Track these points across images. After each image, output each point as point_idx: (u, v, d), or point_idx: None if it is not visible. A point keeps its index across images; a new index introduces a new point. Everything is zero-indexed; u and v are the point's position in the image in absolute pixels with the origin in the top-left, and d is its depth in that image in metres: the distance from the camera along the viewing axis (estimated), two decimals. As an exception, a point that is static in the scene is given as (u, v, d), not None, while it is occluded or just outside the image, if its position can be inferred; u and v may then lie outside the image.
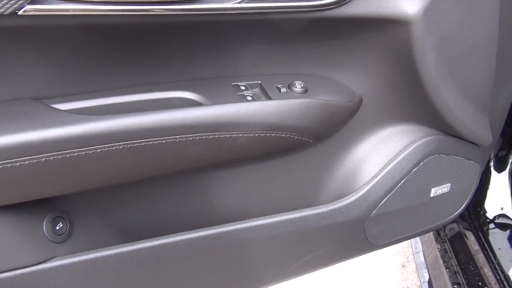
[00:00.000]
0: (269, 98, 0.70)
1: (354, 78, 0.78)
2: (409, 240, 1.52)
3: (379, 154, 0.86)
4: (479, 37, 0.81)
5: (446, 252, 1.25)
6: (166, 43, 0.64)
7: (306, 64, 0.76)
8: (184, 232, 0.70)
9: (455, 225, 1.31)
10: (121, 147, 0.58)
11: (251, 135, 0.67)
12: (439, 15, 0.71)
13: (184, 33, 0.63)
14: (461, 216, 1.29)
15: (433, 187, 0.92)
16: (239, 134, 0.66)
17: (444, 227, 1.33)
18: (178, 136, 0.61)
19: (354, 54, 0.75)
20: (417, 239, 1.52)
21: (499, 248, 1.15)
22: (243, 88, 0.70)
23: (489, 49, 0.85)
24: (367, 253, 0.95)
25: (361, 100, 0.79)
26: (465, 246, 1.21)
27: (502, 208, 1.23)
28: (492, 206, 1.25)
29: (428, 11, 0.68)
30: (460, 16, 0.76)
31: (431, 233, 1.32)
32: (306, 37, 0.71)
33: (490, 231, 1.21)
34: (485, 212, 1.24)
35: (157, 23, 0.59)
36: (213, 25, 0.63)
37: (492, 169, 1.26)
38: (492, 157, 1.27)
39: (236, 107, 0.65)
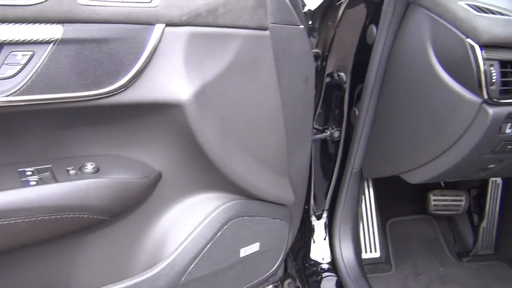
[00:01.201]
0: (56, 181, 0.72)
1: (150, 155, 0.85)
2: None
3: (185, 223, 0.92)
4: (264, 113, 0.95)
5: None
6: None
7: (100, 145, 0.80)
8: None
9: (291, 280, 1.41)
10: None
11: (33, 219, 0.68)
12: (215, 97, 0.82)
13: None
14: (296, 269, 1.41)
15: (242, 247, 1.00)
16: (18, 220, 0.67)
17: (282, 282, 1.42)
18: None
19: (144, 133, 0.82)
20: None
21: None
22: (29, 173, 0.72)
23: (276, 122, 0.98)
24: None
25: (159, 175, 0.86)
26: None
27: (323, 259, 1.36)
28: (317, 258, 1.38)
29: (201, 95, 0.78)
30: (240, 96, 0.88)
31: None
32: (94, 121, 0.77)
33: (315, 282, 1.33)
34: (311, 264, 1.37)
35: None
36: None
37: (313, 222, 1.41)
38: (313, 211, 1.43)
39: (13, 193, 0.66)
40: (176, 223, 0.92)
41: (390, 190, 1.61)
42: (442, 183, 1.68)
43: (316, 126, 1.34)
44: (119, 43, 0.70)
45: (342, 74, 1.25)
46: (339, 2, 1.18)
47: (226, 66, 0.83)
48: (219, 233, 0.94)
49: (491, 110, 0.88)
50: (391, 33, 1.04)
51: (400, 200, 1.72)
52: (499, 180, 1.62)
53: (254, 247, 1.03)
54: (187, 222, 0.92)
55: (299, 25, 0.99)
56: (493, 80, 0.86)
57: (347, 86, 1.25)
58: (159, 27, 0.73)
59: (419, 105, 1.01)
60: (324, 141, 1.37)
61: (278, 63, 0.94)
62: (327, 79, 1.29)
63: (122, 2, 0.70)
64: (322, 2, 1.19)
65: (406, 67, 1.02)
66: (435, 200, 1.59)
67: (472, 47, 0.86)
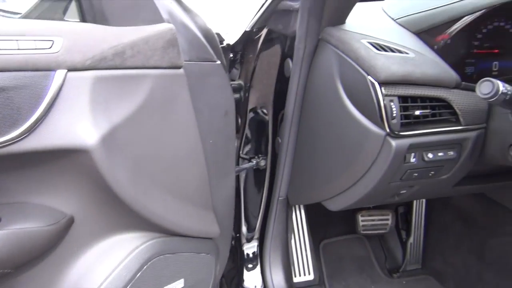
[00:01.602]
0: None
1: (61, 199, 0.82)
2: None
3: (101, 266, 0.90)
4: (182, 149, 0.95)
5: None
6: None
7: (5, 194, 0.78)
8: None
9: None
10: None
11: None
12: (125, 138, 0.81)
13: None
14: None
15: (165, 285, 0.99)
16: None
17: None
18: None
19: (53, 179, 0.80)
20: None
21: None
22: None
23: (196, 158, 0.99)
24: None
25: (71, 219, 0.83)
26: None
27: (255, 286, 1.37)
28: (250, 285, 1.39)
29: (109, 138, 0.77)
30: (155, 135, 0.88)
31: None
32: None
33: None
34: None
35: None
36: None
37: (245, 251, 1.42)
38: (245, 240, 1.44)
39: None
40: (92, 267, 0.89)
41: (322, 212, 1.64)
42: (369, 203, 1.75)
43: (243, 156, 1.36)
44: (17, 91, 0.69)
45: (264, 104, 1.28)
46: (257, 36, 1.21)
47: (138, 106, 0.83)
48: (139, 274, 0.92)
49: (394, 142, 0.93)
50: (304, 67, 1.08)
51: (333, 220, 1.76)
52: (422, 197, 1.70)
53: (178, 284, 1.02)
54: (104, 265, 0.90)
55: (215, 61, 1.01)
56: (394, 115, 0.91)
57: (270, 116, 1.28)
58: (60, 73, 0.72)
59: (333, 136, 1.05)
60: (253, 170, 1.39)
61: (195, 99, 0.95)
62: (251, 109, 1.31)
63: (19, 49, 0.69)
64: (241, 36, 1.22)
65: (320, 100, 1.07)
66: (363, 220, 1.65)
67: (373, 84, 0.91)
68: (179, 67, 0.89)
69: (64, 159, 0.77)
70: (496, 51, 1.06)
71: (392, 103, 0.91)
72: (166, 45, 0.86)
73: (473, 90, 0.98)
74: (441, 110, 0.97)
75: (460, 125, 0.98)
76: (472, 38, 1.04)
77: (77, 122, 0.75)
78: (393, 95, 0.91)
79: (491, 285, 1.52)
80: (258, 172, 1.37)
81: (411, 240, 1.73)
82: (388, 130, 0.92)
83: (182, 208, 0.98)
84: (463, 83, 0.98)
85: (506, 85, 0.80)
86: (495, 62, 1.07)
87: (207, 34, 1.00)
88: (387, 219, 1.67)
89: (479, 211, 1.63)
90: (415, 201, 1.70)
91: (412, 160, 0.98)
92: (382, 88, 0.91)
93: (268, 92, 1.25)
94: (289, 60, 1.15)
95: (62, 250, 0.85)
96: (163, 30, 0.86)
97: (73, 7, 0.94)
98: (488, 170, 1.16)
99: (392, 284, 1.67)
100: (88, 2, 0.93)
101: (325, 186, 1.14)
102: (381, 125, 0.92)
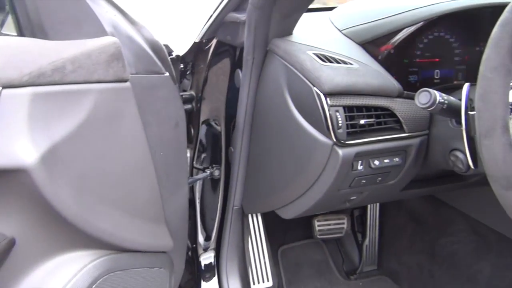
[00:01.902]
0: None
1: (0, 221, 0.79)
2: None
3: (48, 287, 0.87)
4: (130, 164, 0.93)
5: None
6: None
7: None
8: None
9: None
10: None
11: None
12: (68, 155, 0.79)
13: None
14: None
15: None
16: None
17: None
18: None
19: (-10, 200, 0.77)
20: None
21: None
22: None
23: (145, 171, 0.97)
24: None
25: (11, 241, 0.80)
26: None
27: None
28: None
29: (49, 156, 0.75)
30: (101, 150, 0.86)
31: None
32: None
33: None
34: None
35: None
36: None
37: (202, 262, 1.41)
38: (202, 250, 1.43)
39: None
40: (37, 289, 0.86)
41: (280, 218, 1.66)
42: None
43: (197, 166, 1.36)
44: None
45: (217, 114, 1.28)
46: (207, 47, 1.21)
47: (81, 122, 0.81)
48: (88, 293, 0.90)
49: (340, 151, 0.95)
50: (254, 78, 1.09)
51: (291, 226, 1.78)
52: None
53: (131, 301, 1.00)
54: (50, 286, 0.87)
55: (163, 73, 1.00)
56: (340, 124, 0.93)
57: (222, 126, 1.28)
58: (-6, 91, 0.70)
59: (283, 146, 1.06)
60: (208, 180, 1.38)
61: (143, 112, 0.93)
62: (203, 119, 1.31)
63: None
64: (191, 47, 1.22)
65: (270, 110, 1.08)
66: (320, 225, 1.68)
67: (318, 95, 0.93)
68: (124, 81, 0.88)
69: (2, 180, 0.74)
70: (437, 59, 1.11)
71: (337, 113, 0.93)
72: (110, 59, 0.84)
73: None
74: (385, 119, 1.00)
75: (404, 132, 1.01)
76: (414, 48, 1.08)
77: (14, 140, 0.72)
78: (338, 106, 0.93)
79: (442, 282, 1.58)
80: (212, 182, 1.36)
81: (366, 242, 1.77)
82: (334, 139, 0.94)
83: (133, 223, 0.96)
84: (405, 92, 1.02)
85: (443, 95, 0.84)
86: (436, 70, 1.12)
87: (154, 46, 0.99)
88: (343, 223, 1.71)
89: (429, 212, 1.69)
90: (369, 205, 1.75)
91: (360, 167, 1.00)
92: (328, 99, 0.93)
93: (220, 102, 1.25)
94: (239, 70, 1.15)
95: (2, 274, 0.82)
96: (107, 43, 0.85)
97: (10, 20, 0.91)
98: (433, 173, 1.21)
99: (350, 286, 1.70)
100: (25, 15, 0.90)
101: (277, 195, 1.15)
102: (328, 135, 0.94)
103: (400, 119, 1.00)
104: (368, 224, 1.77)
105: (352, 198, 1.12)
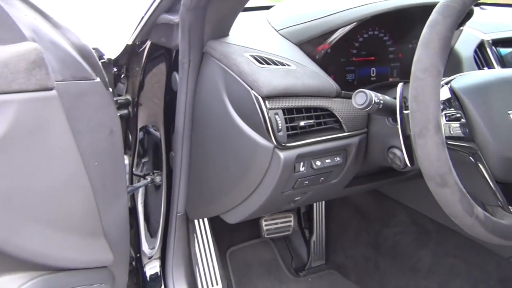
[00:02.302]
0: None
1: None
2: None
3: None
4: (61, 176, 0.87)
5: None
6: None
7: None
8: None
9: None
10: None
11: None
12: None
13: None
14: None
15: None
16: None
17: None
18: None
19: None
20: None
21: None
22: None
23: (79, 183, 0.91)
24: None
25: None
26: None
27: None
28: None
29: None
30: (25, 165, 0.79)
31: None
32: None
33: None
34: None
35: None
36: None
37: (147, 271, 1.36)
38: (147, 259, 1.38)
39: None
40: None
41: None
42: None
43: (137, 173, 1.30)
44: None
45: (155, 118, 1.23)
46: (141, 49, 1.16)
47: (1, 136, 0.74)
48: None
49: (282, 154, 0.94)
50: (191, 81, 1.06)
51: (239, 227, 1.77)
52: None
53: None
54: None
55: (93, 79, 0.94)
56: (279, 127, 0.92)
57: (161, 130, 1.23)
58: None
59: (225, 150, 1.04)
60: (149, 187, 1.33)
61: (73, 121, 0.87)
62: (142, 124, 1.26)
63: None
64: (124, 50, 1.16)
65: (209, 113, 1.05)
66: (267, 225, 1.68)
67: (257, 98, 0.91)
68: (49, 89, 0.82)
69: None
70: (372, 58, 1.13)
71: (277, 116, 0.92)
72: (30, 67, 0.78)
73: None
74: (325, 119, 1.01)
75: (344, 132, 1.02)
76: (350, 47, 1.09)
77: None
78: (277, 108, 0.92)
79: (387, 273, 1.63)
80: (154, 189, 1.32)
81: (314, 238, 1.79)
82: (275, 142, 0.93)
83: (67, 240, 0.90)
84: (343, 91, 1.02)
85: (378, 95, 0.85)
86: (372, 68, 1.14)
87: (82, 50, 0.93)
88: (290, 221, 1.71)
89: (373, 205, 1.74)
90: (315, 201, 1.77)
91: (302, 169, 1.00)
92: (266, 102, 0.91)
93: (157, 106, 1.20)
94: (175, 73, 1.11)
95: None
96: (26, 50, 0.78)
97: None
98: (374, 170, 1.23)
99: (299, 283, 1.71)
100: None
101: (221, 200, 1.13)
102: (268, 138, 0.93)
103: (339, 119, 1.01)
104: (315, 220, 1.79)
105: (296, 199, 1.12)
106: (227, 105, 0.98)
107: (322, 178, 1.06)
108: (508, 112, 0.82)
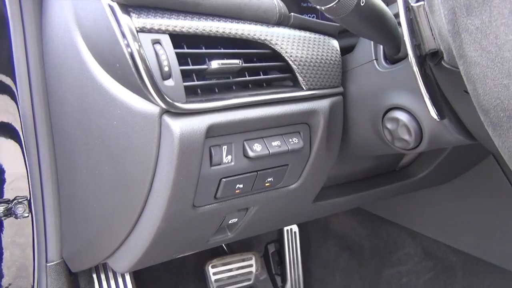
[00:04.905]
0: None
1: None
2: None
3: None
4: None
5: None
6: None
7: None
8: None
9: None
10: None
11: None
12: None
13: None
14: None
15: None
16: None
17: None
18: None
19: None
20: None
21: None
22: None
23: None
24: None
25: None
26: None
27: None
28: None
29: None
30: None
31: None
32: None
33: None
34: None
35: None
36: None
37: None
38: None
39: None
40: None
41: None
42: (224, 246, 1.29)
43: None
44: None
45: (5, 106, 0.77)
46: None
47: None
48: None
49: (175, 124, 0.48)
50: (30, 22, 0.61)
51: (182, 277, 1.28)
52: (295, 228, 1.31)
53: None
54: None
55: None
56: (166, 69, 0.46)
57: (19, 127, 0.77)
58: None
59: (90, 135, 0.58)
60: (11, 221, 0.85)
61: None
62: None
63: None
64: None
65: (64, 78, 0.59)
66: (216, 273, 1.17)
67: (112, 11, 0.46)
68: None
69: None
70: None
71: (158, 47, 0.47)
72: None
73: (311, 28, 0.59)
74: (262, 63, 0.56)
75: (301, 89, 0.57)
76: None
77: None
78: (158, 31, 0.47)
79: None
80: (16, 225, 0.83)
81: (288, 287, 1.31)
82: (160, 102, 0.47)
83: None
84: (294, 14, 0.58)
85: None
86: None
87: None
88: (250, 265, 1.22)
89: (365, 233, 1.30)
90: (285, 233, 1.30)
91: (226, 158, 0.53)
92: (132, 15, 0.46)
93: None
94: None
95: None
96: None
97: None
98: (361, 170, 0.78)
99: None
100: None
101: (101, 235, 0.65)
102: (146, 95, 0.47)
103: (291, 64, 0.56)
104: (288, 262, 1.32)
105: (231, 221, 0.65)
106: (79, 46, 0.52)
107: (270, 179, 0.59)
108: None
